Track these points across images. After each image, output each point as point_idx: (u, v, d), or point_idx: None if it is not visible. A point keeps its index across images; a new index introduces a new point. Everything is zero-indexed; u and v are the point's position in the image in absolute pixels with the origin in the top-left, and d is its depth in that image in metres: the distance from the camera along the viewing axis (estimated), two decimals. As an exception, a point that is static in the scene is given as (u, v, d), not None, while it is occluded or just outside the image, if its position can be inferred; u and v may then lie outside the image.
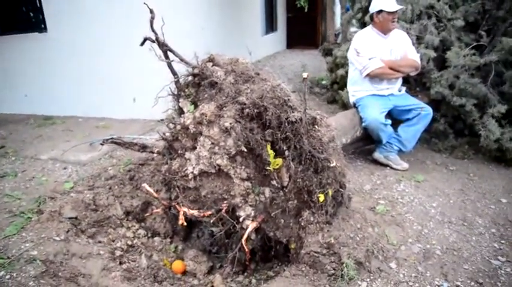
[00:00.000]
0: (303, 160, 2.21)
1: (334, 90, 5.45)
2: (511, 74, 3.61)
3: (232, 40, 7.15)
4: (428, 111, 3.43)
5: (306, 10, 7.35)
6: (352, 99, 3.67)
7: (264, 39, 9.16)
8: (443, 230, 2.60)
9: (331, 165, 2.08)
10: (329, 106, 5.33)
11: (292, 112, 2.22)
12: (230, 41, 7.03)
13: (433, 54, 3.75)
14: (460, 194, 3.10)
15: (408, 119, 3.49)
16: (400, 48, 3.48)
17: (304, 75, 2.11)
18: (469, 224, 2.69)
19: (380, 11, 3.38)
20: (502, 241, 2.50)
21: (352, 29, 6.13)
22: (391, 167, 3.50)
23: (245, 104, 2.35)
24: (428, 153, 3.89)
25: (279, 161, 2.28)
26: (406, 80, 4.13)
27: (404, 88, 3.66)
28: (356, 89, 3.62)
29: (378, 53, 3.40)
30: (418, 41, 3.96)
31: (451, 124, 3.95)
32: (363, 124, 3.42)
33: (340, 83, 5.07)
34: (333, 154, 2.23)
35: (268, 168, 2.30)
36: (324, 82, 6.38)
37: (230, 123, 2.36)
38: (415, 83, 4.09)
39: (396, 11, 3.33)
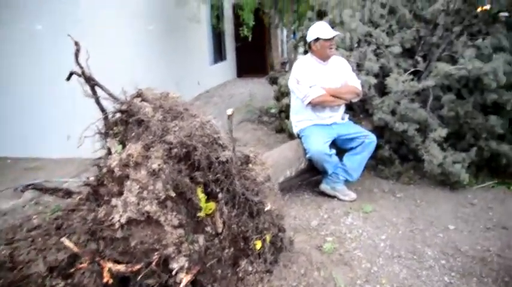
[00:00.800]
0: (236, 204, 2.00)
1: (282, 119, 5.34)
2: (448, 98, 3.63)
3: (179, 70, 6.96)
4: (372, 139, 3.35)
5: (250, 39, 7.29)
6: (295, 130, 3.53)
7: (212, 68, 9.04)
8: (393, 266, 2.44)
9: (266, 208, 1.87)
10: (277, 135, 5.20)
11: (223, 151, 2.01)
12: (176, 71, 6.83)
13: (373, 80, 3.72)
14: (409, 223, 2.98)
15: (353, 148, 3.38)
16: (341, 75, 3.40)
17: (229, 112, 1.91)
18: (419, 256, 2.55)
19: (317, 39, 3.31)
20: (452, 274, 2.37)
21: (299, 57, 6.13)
22: (339, 199, 3.35)
23: (172, 143, 2.12)
24: (375, 180, 3.79)
25: (212, 205, 2.05)
26: (350, 107, 4.08)
27: (347, 116, 3.57)
28: (298, 118, 3.49)
29: (319, 81, 3.30)
30: (358, 67, 3.93)
31: (396, 150, 3.90)
32: (307, 156, 3.27)
33: (286, 112, 4.95)
34: (269, 195, 2.03)
35: (200, 214, 2.06)
36: (272, 111, 6.28)
37: (158, 165, 2.11)
38: (358, 110, 4.03)
39: (333, 38, 3.26)
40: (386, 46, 3.99)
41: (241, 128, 5.73)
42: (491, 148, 3.53)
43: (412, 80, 3.79)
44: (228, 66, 10.21)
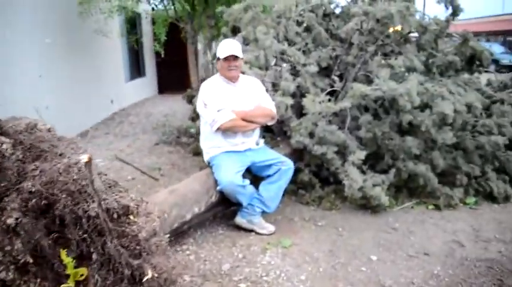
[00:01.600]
0: (112, 268, 1.55)
1: (199, 141, 4.94)
2: (366, 119, 3.49)
3: (88, 89, 6.28)
4: (288, 165, 3.07)
5: (163, 55, 6.83)
6: (205, 158, 3.14)
7: (129, 85, 8.39)
8: (313, 315, 2.14)
9: (146, 278, 1.45)
10: (194, 159, 4.77)
11: (93, 203, 1.56)
12: (85, 89, 6.15)
13: (290, 101, 3.47)
14: (330, 257, 2.71)
15: (269, 176, 3.08)
16: (253, 96, 3.10)
17: (84, 158, 1.47)
18: (341, 300, 2.28)
19: (218, 58, 2.99)
20: (376, 320, 2.12)
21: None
22: (256, 232, 3.01)
23: (31, 192, 1.63)
24: (296, 207, 3.52)
25: (84, 270, 1.58)
26: (268, 129, 3.80)
27: (262, 140, 3.27)
28: (208, 145, 3.11)
29: (228, 103, 2.96)
30: (274, 87, 3.68)
31: (316, 173, 3.68)
32: (218, 188, 2.89)
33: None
34: (156, 254, 1.61)
35: (68, 283, 1.58)
36: (192, 130, 5.85)
37: (16, 219, 1.60)
38: (277, 132, 3.77)
39: (235, 58, 2.95)
40: (303, 65, 3.79)
41: (156, 151, 5.22)
42: (408, 169, 3.44)
43: (330, 100, 3.62)
44: (148, 82, 9.62)
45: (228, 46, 2.98)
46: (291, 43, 3.93)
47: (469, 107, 3.64)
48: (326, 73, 4.06)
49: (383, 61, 3.74)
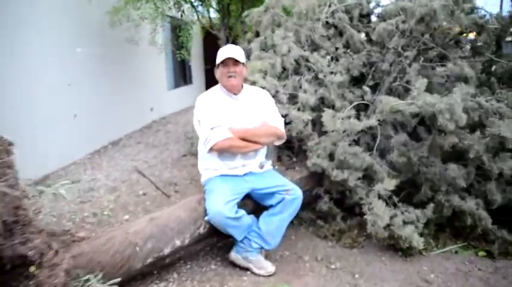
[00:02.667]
0: None
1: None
2: (399, 140, 2.83)
3: (126, 96, 6.17)
4: (295, 195, 2.52)
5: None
6: (202, 180, 2.70)
7: (172, 93, 8.25)
8: None
9: None
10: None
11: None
12: (122, 97, 6.04)
13: (307, 116, 2.92)
14: (335, 316, 2.13)
15: (272, 206, 2.56)
16: (258, 112, 2.60)
17: None
18: None
19: (217, 66, 2.54)
20: None
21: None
22: (252, 272, 2.51)
23: None
24: (310, 241, 2.94)
25: None
26: (288, 146, 3.28)
27: (268, 163, 2.75)
28: (204, 166, 2.67)
29: (226, 119, 2.50)
30: (293, 100, 3.14)
31: (339, 201, 3.08)
32: (205, 218, 2.43)
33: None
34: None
35: None
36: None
37: None
38: (295, 152, 3.23)
39: (235, 62, 2.47)
40: (331, 73, 3.21)
41: (180, 163, 4.90)
42: (452, 204, 2.71)
43: (359, 116, 3.01)
44: (195, 90, 9.45)
45: (227, 50, 2.52)
46: (317, 48, 3.37)
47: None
48: (359, 83, 3.44)
49: (424, 70, 3.03)
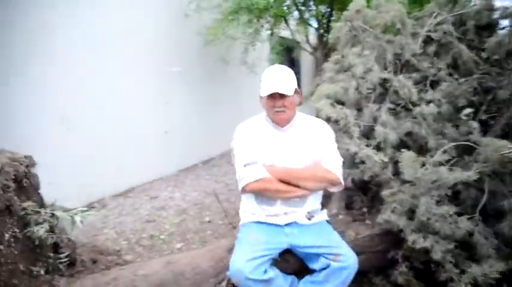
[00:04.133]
0: None
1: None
2: (516, 202, 1.87)
3: (223, 115, 6.02)
4: (345, 262, 1.81)
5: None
6: (239, 223, 2.18)
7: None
8: None
9: None
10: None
11: None
12: (218, 115, 5.90)
13: (382, 157, 2.16)
14: None
15: (315, 272, 1.90)
16: (309, 148, 1.98)
17: None
18: None
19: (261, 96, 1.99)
20: None
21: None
22: None
23: None
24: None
25: None
26: (364, 192, 2.56)
27: (323, 213, 2.08)
28: (243, 207, 2.14)
29: (267, 155, 1.95)
30: (371, 135, 2.40)
31: (423, 273, 2.20)
32: (227, 273, 1.89)
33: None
34: None
35: None
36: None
37: None
38: (367, 200, 2.47)
39: (282, 96, 1.90)
40: (428, 101, 2.37)
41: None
42: None
43: (458, 160, 2.13)
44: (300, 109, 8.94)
45: (273, 78, 1.96)
46: (409, 70, 2.56)
47: None
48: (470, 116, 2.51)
49: None
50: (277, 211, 1.99)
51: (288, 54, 7.06)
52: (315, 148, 1.98)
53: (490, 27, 2.86)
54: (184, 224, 3.52)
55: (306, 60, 7.60)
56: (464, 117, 2.22)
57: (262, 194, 1.97)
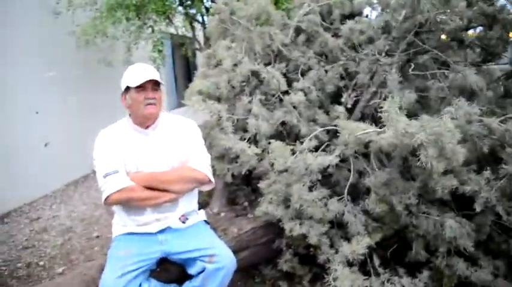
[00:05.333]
0: None
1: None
2: (379, 179, 1.99)
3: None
4: (220, 263, 1.75)
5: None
6: (112, 237, 2.02)
7: (177, 112, 7.68)
8: None
9: None
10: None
11: None
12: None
13: (255, 150, 2.16)
14: None
15: (192, 277, 1.82)
16: (176, 150, 1.88)
17: None
18: None
19: (127, 89, 1.85)
20: None
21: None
22: None
23: None
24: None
25: None
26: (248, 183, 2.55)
27: (200, 213, 2.02)
28: (114, 219, 1.99)
29: (131, 162, 1.81)
30: (243, 128, 2.39)
31: (308, 257, 2.27)
32: (96, 294, 1.73)
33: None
34: None
35: None
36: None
37: None
38: (247, 193, 2.47)
39: (155, 85, 1.80)
40: (285, 92, 2.42)
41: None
42: (455, 272, 1.84)
43: (327, 145, 2.21)
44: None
45: (142, 70, 1.83)
46: (281, 61, 2.61)
47: None
48: (337, 100, 2.64)
49: (421, 78, 2.19)
50: (147, 219, 1.86)
51: (179, 51, 6.90)
52: (181, 148, 1.89)
53: (355, 15, 3.05)
54: (68, 244, 3.19)
55: (202, 57, 7.50)
56: (332, 104, 2.33)
57: (129, 204, 1.83)
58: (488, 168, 1.75)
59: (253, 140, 2.28)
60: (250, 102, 2.36)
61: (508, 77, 2.51)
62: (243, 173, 2.25)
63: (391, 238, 2.10)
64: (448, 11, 2.01)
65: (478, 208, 1.65)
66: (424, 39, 2.35)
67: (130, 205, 1.82)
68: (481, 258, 1.92)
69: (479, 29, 2.40)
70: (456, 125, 1.65)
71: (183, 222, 1.92)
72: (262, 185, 2.16)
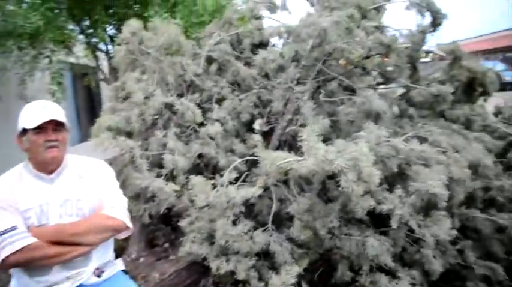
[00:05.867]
0: None
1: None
2: (302, 205, 2.00)
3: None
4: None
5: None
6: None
7: (81, 147, 7.11)
8: None
9: None
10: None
11: None
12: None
13: (173, 187, 2.04)
14: None
15: None
16: (86, 195, 1.68)
17: None
18: None
19: (24, 131, 1.61)
20: None
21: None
22: None
23: None
24: None
25: None
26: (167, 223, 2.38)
27: (117, 262, 1.82)
28: (12, 284, 1.70)
29: (32, 214, 1.56)
30: (160, 164, 2.26)
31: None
32: None
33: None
34: None
35: None
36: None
37: None
38: (167, 234, 2.32)
39: (57, 126, 1.58)
40: (200, 124, 2.37)
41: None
42: (377, 285, 1.91)
43: (247, 174, 2.19)
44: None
45: (40, 109, 1.60)
46: (194, 91, 2.55)
47: (475, 167, 2.15)
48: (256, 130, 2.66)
49: (331, 104, 2.30)
50: (56, 278, 1.61)
51: (81, 82, 6.44)
52: (91, 194, 1.68)
53: (264, 44, 3.14)
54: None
55: (108, 89, 7.11)
56: (248, 133, 2.32)
57: (32, 265, 1.57)
58: (399, 186, 1.87)
59: (171, 176, 2.16)
60: (165, 136, 2.24)
61: (402, 98, 2.77)
62: (161, 212, 2.10)
63: (316, 262, 2.12)
64: (351, 40, 2.15)
65: (394, 224, 1.75)
66: (332, 67, 2.50)
67: (34, 265, 1.56)
68: (399, 270, 2.02)
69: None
70: (369, 148, 1.75)
71: (98, 276, 1.69)
72: (183, 223, 2.04)
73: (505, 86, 13.79)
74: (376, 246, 1.80)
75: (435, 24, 2.65)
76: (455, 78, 2.67)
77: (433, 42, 2.98)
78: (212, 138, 2.30)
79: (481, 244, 2.16)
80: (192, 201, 2.12)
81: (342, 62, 2.36)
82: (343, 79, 2.34)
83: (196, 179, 1.94)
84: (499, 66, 16.39)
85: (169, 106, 2.31)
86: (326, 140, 1.98)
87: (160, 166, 2.22)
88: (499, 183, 2.26)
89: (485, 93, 2.73)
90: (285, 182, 2.13)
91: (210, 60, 2.79)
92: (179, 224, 2.05)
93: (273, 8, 3.21)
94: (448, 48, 2.48)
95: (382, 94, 2.38)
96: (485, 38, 25.59)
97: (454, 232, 1.92)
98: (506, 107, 3.20)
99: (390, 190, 1.87)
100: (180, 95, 2.50)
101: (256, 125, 2.61)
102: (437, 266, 1.98)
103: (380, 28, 2.78)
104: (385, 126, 2.06)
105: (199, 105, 2.50)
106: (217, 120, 2.43)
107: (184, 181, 2.13)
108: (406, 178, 1.89)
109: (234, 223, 1.95)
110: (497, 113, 3.22)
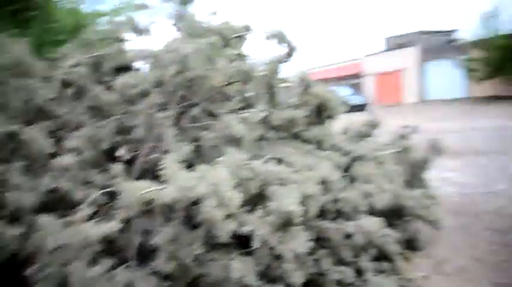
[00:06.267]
0: None
1: None
2: (166, 235, 1.94)
3: None
4: None
5: None
6: None
7: None
8: None
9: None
10: None
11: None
12: None
13: (15, 231, 1.77)
14: None
15: None
16: None
17: None
18: None
19: None
20: None
21: None
22: None
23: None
24: None
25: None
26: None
27: None
28: None
29: None
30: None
31: None
32: None
33: None
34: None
35: None
36: None
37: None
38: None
39: None
40: (51, 154, 2.14)
41: None
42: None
43: (108, 207, 2.03)
44: None
45: None
46: (40, 118, 2.29)
47: (325, 182, 2.40)
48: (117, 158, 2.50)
49: (194, 130, 2.31)
50: None
51: None
52: None
53: (127, 68, 3.01)
54: None
55: None
56: (109, 162, 2.17)
57: None
58: (260, 206, 1.96)
59: (14, 218, 1.87)
60: (7, 171, 1.94)
61: (262, 122, 2.95)
62: (2, 261, 1.80)
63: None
64: (212, 67, 2.21)
65: (256, 244, 1.81)
66: (195, 93, 2.52)
67: None
68: (265, 287, 2.10)
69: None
70: (230, 172, 1.80)
71: None
72: (30, 271, 1.77)
73: (352, 109, 15.90)
74: (241, 267, 1.84)
75: (289, 54, 2.92)
76: (307, 103, 2.96)
77: (291, 70, 3.28)
78: (66, 170, 2.08)
79: (333, 251, 2.39)
80: (41, 245, 1.87)
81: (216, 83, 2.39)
82: (206, 105, 2.38)
83: (45, 219, 1.71)
84: (348, 91, 18.94)
85: (13, 136, 2.02)
86: (190, 165, 1.98)
87: (1, 206, 1.91)
88: (345, 195, 2.55)
89: (331, 116, 3.08)
90: (148, 212, 2.04)
91: (66, 84, 2.55)
92: (25, 274, 1.77)
93: (137, 31, 3.12)
94: (298, 76, 2.74)
95: (244, 118, 2.48)
96: (338, 66, 29.70)
97: (311, 244, 2.09)
98: (350, 127, 3.69)
99: (252, 210, 1.95)
100: (28, 123, 2.21)
101: (119, 153, 2.46)
102: (297, 278, 2.11)
103: (241, 56, 2.94)
104: (245, 149, 2.15)
105: (51, 134, 2.25)
106: (73, 150, 2.22)
107: (32, 221, 1.86)
108: (265, 198, 1.99)
109: (93, 262, 1.77)
110: (344, 132, 3.69)
